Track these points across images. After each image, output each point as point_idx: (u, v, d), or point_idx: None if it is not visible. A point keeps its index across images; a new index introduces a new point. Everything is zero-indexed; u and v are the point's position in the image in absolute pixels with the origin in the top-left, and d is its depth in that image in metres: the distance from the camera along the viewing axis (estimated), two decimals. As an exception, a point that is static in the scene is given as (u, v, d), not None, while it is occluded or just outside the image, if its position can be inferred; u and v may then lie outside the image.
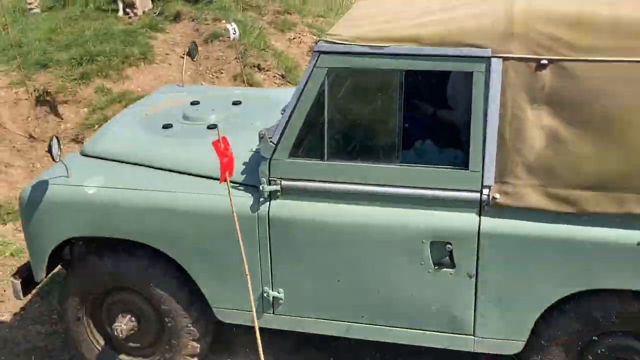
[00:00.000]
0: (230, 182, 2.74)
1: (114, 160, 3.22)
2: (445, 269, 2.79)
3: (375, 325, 2.97)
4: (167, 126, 3.41)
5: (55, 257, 3.27)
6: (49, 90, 6.73)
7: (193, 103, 3.70)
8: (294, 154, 2.83)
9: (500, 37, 2.53)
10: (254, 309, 2.60)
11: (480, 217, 2.68)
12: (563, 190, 2.59)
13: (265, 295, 3.04)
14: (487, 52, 2.51)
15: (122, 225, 3.02)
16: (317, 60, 2.69)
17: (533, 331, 2.81)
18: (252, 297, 2.70)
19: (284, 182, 2.84)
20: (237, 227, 2.64)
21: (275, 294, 3.03)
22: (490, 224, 2.66)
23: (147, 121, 3.58)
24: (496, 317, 2.83)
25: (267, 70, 7.10)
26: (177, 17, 8.11)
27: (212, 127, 3.37)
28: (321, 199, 2.87)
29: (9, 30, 7.66)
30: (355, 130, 3.16)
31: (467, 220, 2.70)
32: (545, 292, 2.72)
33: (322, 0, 9.59)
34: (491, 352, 2.95)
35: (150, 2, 8.45)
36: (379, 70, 2.88)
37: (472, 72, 2.56)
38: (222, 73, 7.12)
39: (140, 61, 7.02)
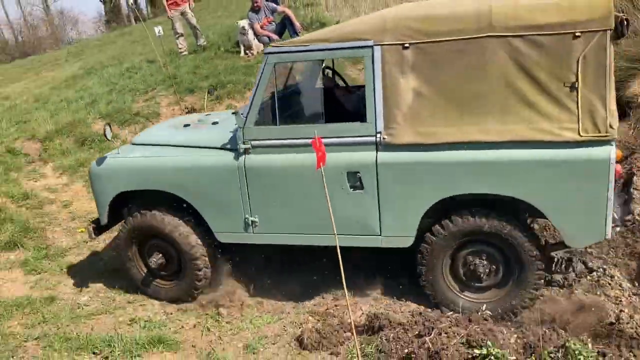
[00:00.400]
0: (220, 147, 4.15)
1: (149, 145, 4.66)
2: (358, 191, 3.80)
3: (319, 234, 4.00)
4: (186, 125, 4.89)
5: (116, 216, 4.78)
6: (194, 108, 8.61)
7: (207, 114, 5.35)
8: (258, 122, 3.96)
9: (378, 32, 3.58)
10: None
11: (376, 152, 3.69)
12: (426, 129, 3.54)
13: (246, 220, 4.17)
14: (370, 43, 3.59)
15: (153, 181, 4.39)
16: (266, 60, 3.86)
17: (421, 230, 3.80)
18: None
19: (253, 142, 3.99)
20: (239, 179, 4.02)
21: (253, 218, 4.16)
22: (383, 157, 3.67)
23: (174, 124, 5.10)
24: (393, 220, 3.81)
25: None
26: None
27: (215, 123, 4.77)
28: (277, 151, 3.96)
29: (167, 67, 9.71)
30: (296, 103, 4.53)
31: (368, 155, 3.71)
32: (422, 200, 3.68)
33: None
34: (392, 246, 3.92)
35: (262, 45, 10.14)
36: (305, 61, 4.40)
37: (362, 57, 3.65)
38: None
39: None
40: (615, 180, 3.37)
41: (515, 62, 3.34)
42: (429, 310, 4.03)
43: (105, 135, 4.59)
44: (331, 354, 3.81)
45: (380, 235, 3.90)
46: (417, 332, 3.59)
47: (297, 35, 10.10)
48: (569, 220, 3.51)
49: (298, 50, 3.82)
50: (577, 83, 3.26)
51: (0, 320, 4.67)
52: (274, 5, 10.67)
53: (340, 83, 5.21)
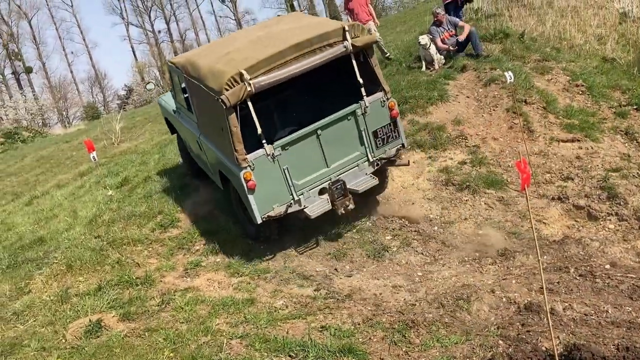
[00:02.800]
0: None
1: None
2: None
3: None
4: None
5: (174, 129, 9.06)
6: None
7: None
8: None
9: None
10: None
11: None
12: None
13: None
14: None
15: (162, 113, 9.96)
16: (169, 67, 7.74)
17: None
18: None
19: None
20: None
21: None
22: None
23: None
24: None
25: (532, 104, 8.47)
26: (463, 69, 9.66)
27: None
28: None
29: None
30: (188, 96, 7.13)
31: None
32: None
33: (572, 50, 10.57)
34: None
35: (443, 59, 10.15)
36: (174, 73, 7.38)
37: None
38: (497, 107, 8.55)
39: (438, 101, 8.75)
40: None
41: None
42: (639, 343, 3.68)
43: (146, 88, 8.73)
44: (525, 383, 3.66)
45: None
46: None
47: (481, 52, 9.89)
48: None
49: (171, 65, 7.64)
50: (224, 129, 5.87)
51: (210, 318, 5.25)
52: (456, 19, 10.59)
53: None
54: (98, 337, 5.13)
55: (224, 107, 5.43)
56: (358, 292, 5.58)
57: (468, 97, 9.02)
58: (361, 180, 6.38)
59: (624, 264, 5.71)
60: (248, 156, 5.72)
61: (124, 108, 41.30)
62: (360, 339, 4.58)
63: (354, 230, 6.85)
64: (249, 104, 5.53)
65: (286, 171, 6.04)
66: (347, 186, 6.25)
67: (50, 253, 7.13)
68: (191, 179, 8.59)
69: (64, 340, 5.16)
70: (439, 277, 5.87)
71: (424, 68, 10.26)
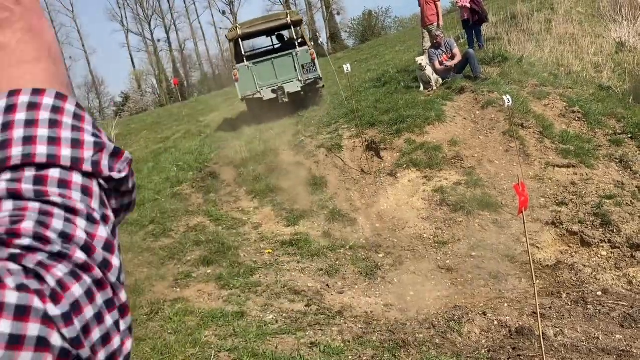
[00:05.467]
0: None
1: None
2: None
3: None
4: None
5: None
6: (374, 141, 8.91)
7: None
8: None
9: None
10: None
11: None
12: None
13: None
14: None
15: None
16: None
17: None
18: None
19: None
20: None
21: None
22: None
23: None
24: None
25: (528, 128, 8.53)
26: (461, 90, 9.72)
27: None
28: None
29: (352, 101, 10.06)
30: None
31: None
32: None
33: (570, 77, 10.67)
34: None
35: (441, 79, 10.28)
36: None
37: None
38: (494, 130, 8.60)
39: (435, 121, 8.82)
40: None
41: None
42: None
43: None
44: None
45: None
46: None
47: (479, 74, 9.96)
48: None
49: None
50: None
51: (199, 329, 5.18)
52: (453, 43, 10.70)
53: None
54: (84, 344, 5.03)
55: (227, 40, 11.72)
56: (349, 309, 5.54)
57: (465, 118, 9.07)
58: (292, 88, 11.43)
59: (616, 291, 5.71)
60: (237, 65, 11.39)
61: (120, 115, 41.23)
62: (350, 357, 4.53)
63: (347, 247, 6.82)
64: (240, 41, 11.71)
65: (255, 76, 11.36)
66: (285, 90, 11.29)
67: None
68: (184, 189, 8.55)
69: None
70: (431, 297, 5.84)
71: (421, 88, 10.34)
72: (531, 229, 6.86)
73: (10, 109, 0.48)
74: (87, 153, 0.50)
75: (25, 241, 0.43)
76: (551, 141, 8.38)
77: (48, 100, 0.49)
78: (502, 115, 8.71)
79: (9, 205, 0.45)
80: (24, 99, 0.48)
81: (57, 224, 0.45)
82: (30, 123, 0.48)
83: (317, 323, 5.15)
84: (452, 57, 10.42)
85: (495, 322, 5.07)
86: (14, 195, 0.45)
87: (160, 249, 7.01)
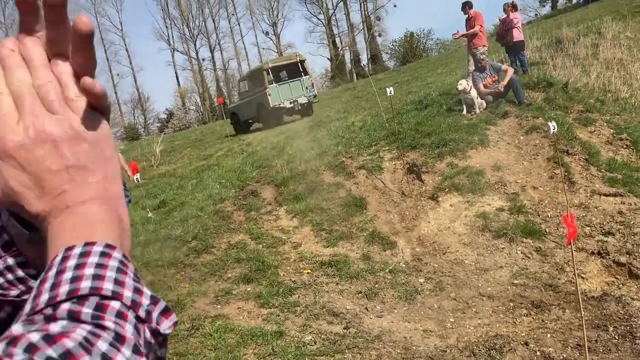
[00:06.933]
0: None
1: None
2: None
3: None
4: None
5: None
6: (416, 163, 8.87)
7: None
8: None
9: None
10: None
11: None
12: None
13: None
14: None
15: None
16: None
17: None
18: None
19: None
20: None
21: None
22: None
23: None
24: None
25: (574, 155, 8.34)
26: (505, 115, 9.63)
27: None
28: None
29: (394, 123, 10.14)
30: None
31: None
32: None
33: (617, 103, 10.42)
34: None
35: (484, 103, 10.19)
36: None
37: None
38: (538, 155, 8.45)
39: (478, 145, 8.74)
40: None
41: None
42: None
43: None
44: None
45: None
46: None
47: (523, 99, 9.86)
48: None
49: None
50: None
51: (238, 347, 5.24)
52: (499, 65, 10.65)
53: None
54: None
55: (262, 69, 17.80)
56: (388, 334, 5.51)
57: (509, 143, 8.96)
58: (302, 100, 17.20)
59: (666, 326, 5.50)
60: (269, 86, 16.95)
61: (164, 131, 42.26)
62: (388, 382, 4.50)
63: (387, 271, 6.79)
64: (270, 72, 17.23)
65: (279, 92, 17.00)
66: (298, 102, 17.22)
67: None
68: (226, 206, 8.70)
69: None
70: (471, 324, 5.75)
71: (464, 112, 10.28)
72: (576, 259, 6.69)
73: (84, 254, 0.52)
74: (145, 301, 0.52)
75: None
76: (597, 169, 8.18)
77: (115, 254, 0.53)
78: (546, 141, 8.56)
79: (64, 322, 0.46)
80: (97, 248, 0.52)
81: (102, 345, 0.46)
82: (100, 266, 0.51)
83: (355, 346, 5.14)
84: (498, 80, 10.33)
85: (538, 353, 4.96)
86: (72, 316, 0.47)
87: (202, 265, 7.13)
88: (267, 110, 16.85)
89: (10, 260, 0.63)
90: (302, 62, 18.05)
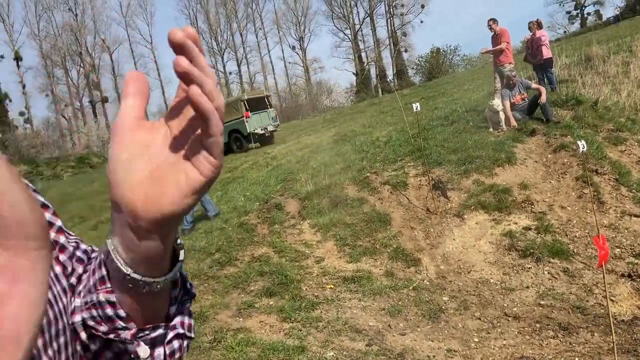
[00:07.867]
0: None
1: None
2: None
3: None
4: None
5: None
6: (441, 180, 8.80)
7: None
8: None
9: None
10: None
11: None
12: None
13: None
14: None
15: None
16: None
17: None
18: None
19: None
20: None
21: None
22: None
23: None
24: None
25: (603, 175, 8.20)
26: (532, 133, 9.55)
27: None
28: None
29: (420, 139, 10.07)
30: None
31: None
32: None
33: None
34: None
35: (513, 120, 10.07)
36: None
37: None
38: (566, 174, 8.33)
39: (505, 163, 8.65)
40: None
41: None
42: None
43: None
44: None
45: None
46: None
47: (551, 117, 9.73)
48: None
49: None
50: None
51: (259, 361, 5.22)
52: (528, 82, 10.56)
53: None
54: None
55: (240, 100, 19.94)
56: (411, 352, 5.44)
57: (536, 161, 8.84)
58: (270, 128, 20.15)
59: (700, 354, 5.33)
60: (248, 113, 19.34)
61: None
62: (411, 402, 4.44)
63: (410, 288, 6.72)
64: (246, 102, 19.44)
65: (253, 122, 19.36)
66: (268, 129, 19.89)
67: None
68: (250, 219, 8.73)
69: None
70: (496, 345, 5.65)
71: (491, 129, 10.20)
72: (606, 281, 6.55)
73: None
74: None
75: None
76: (628, 189, 8.02)
77: None
78: (575, 159, 8.43)
79: None
80: None
81: None
82: None
83: (378, 364, 5.08)
84: (527, 98, 10.23)
85: (566, 377, 4.84)
86: None
87: (225, 277, 7.15)
88: (242, 136, 19.28)
89: (102, 297, 0.64)
90: (268, 96, 21.61)
